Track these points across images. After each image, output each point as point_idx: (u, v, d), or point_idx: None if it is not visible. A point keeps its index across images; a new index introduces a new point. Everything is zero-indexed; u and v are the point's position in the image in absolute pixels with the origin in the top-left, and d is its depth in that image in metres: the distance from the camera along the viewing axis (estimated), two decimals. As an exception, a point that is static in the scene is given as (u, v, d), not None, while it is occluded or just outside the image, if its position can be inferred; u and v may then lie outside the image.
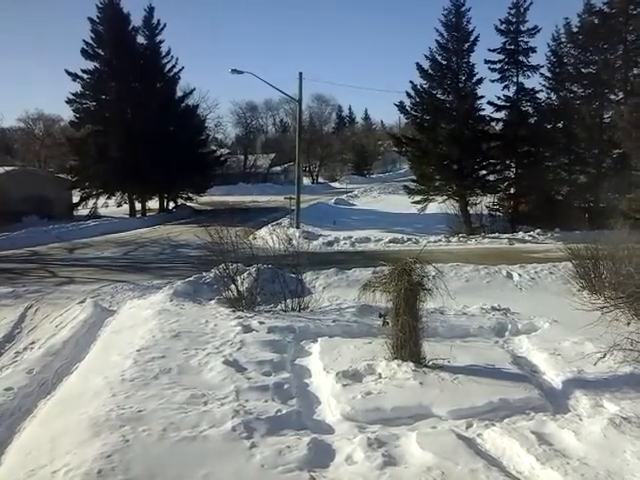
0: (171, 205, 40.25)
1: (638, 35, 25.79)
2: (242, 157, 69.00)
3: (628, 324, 8.07)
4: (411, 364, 7.65)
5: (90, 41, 35.89)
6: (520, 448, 5.50)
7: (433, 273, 8.20)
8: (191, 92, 41.81)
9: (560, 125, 28.12)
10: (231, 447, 5.48)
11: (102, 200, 37.35)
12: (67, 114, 54.10)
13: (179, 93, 40.24)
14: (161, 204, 39.55)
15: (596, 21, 27.13)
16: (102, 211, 37.06)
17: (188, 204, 40.38)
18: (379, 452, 5.38)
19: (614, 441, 5.54)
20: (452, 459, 5.24)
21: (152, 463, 5.11)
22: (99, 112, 36.65)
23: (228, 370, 7.47)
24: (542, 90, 28.17)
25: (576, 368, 7.67)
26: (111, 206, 37.61)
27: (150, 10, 38.14)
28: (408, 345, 7.83)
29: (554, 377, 7.68)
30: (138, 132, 34.02)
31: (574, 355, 8.12)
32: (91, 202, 36.92)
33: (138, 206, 37.74)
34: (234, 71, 26.05)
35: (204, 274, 13.60)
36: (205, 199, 41.61)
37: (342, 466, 5.24)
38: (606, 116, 27.20)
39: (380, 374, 7.54)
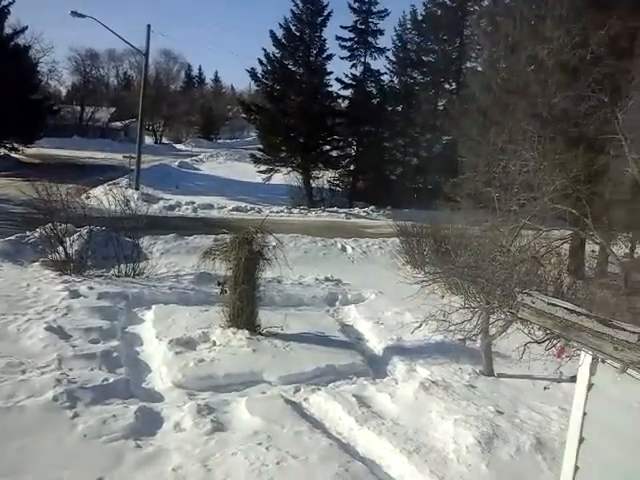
0: (-8, 155, 36.09)
1: (472, 31, 28.03)
2: (78, 108, 63.62)
3: (442, 297, 8.96)
4: (246, 332, 7.82)
5: None
6: (342, 411, 5.92)
7: (274, 243, 8.38)
8: (22, 30, 37.39)
9: (400, 108, 29.80)
10: (51, 418, 5.22)
11: None
12: None
13: (8, 30, 35.90)
14: (-21, 153, 35.30)
15: (439, 12, 29.00)
16: None
17: (12, 155, 36.47)
18: (208, 418, 5.47)
19: (423, 402, 6.18)
20: (279, 423, 5.49)
21: (-44, 438, 4.70)
22: None
23: (51, 337, 7.04)
24: (386, 73, 29.62)
25: (396, 336, 8.39)
26: None
27: None
28: (244, 313, 7.98)
29: (376, 344, 8.34)
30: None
31: (395, 324, 8.86)
32: None
33: (-50, 152, 33.36)
34: (74, 13, 23.79)
35: (28, 233, 12.46)
36: (33, 151, 37.82)
37: (170, 433, 5.24)
38: (440, 104, 29.41)
39: (215, 342, 7.60)
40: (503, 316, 7.21)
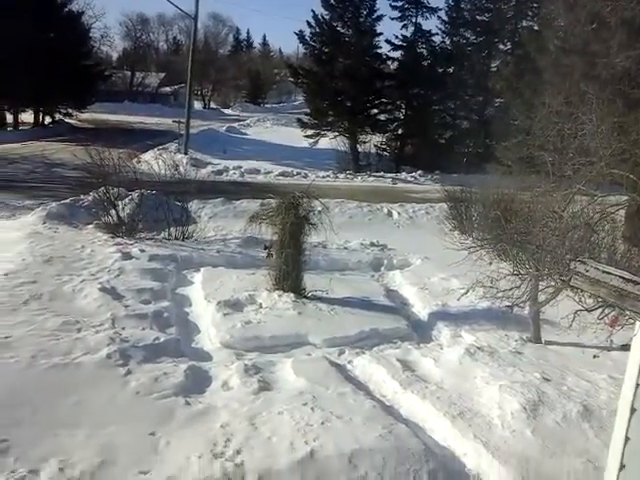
0: (47, 120, 37.09)
1: (530, -12, 26.75)
2: (129, 73, 64.49)
3: (490, 264, 8.80)
4: (292, 295, 7.92)
5: None
6: (386, 374, 5.96)
7: (319, 208, 8.39)
8: (76, -4, 37.97)
9: (451, 70, 28.90)
10: (105, 374, 5.44)
11: (-34, 109, 33.58)
12: None
13: (61, -4, 36.38)
14: (36, 118, 36.24)
15: (494, -31, 27.73)
16: (-34, 121, 33.40)
17: (66, 120, 37.39)
18: (255, 378, 5.59)
19: (467, 367, 6.15)
20: (323, 384, 5.56)
21: (19, 390, 4.97)
22: (-38, 7, 32.29)
23: (105, 297, 7.29)
24: (438, 34, 28.69)
25: (441, 302, 8.34)
26: (-23, 116, 33.97)
27: None
28: (290, 277, 8.07)
29: (421, 310, 8.32)
30: (11, 35, 30.50)
31: (441, 290, 8.80)
32: (-47, 110, 33.11)
33: (9, 118, 34.43)
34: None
35: (82, 197, 12.85)
36: (86, 116, 38.71)
37: (218, 392, 5.39)
38: (493, 65, 28.37)
39: (261, 304, 7.74)
40: (553, 283, 7.04)
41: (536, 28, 24.25)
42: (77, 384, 5.20)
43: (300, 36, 27.89)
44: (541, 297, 7.22)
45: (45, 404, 4.83)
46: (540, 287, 7.20)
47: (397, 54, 28.65)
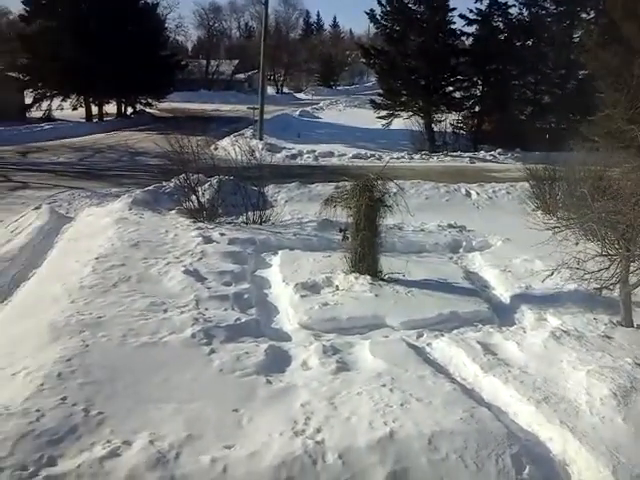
0: (129, 110, 38.69)
1: (615, -50, 25.00)
2: (204, 62, 66.04)
3: (577, 244, 8.39)
4: (368, 277, 7.89)
5: None
6: (466, 357, 5.84)
7: (394, 190, 8.29)
8: (150, -12, 39.15)
9: (529, 43, 27.65)
10: (190, 353, 5.65)
11: (57, 102, 35.53)
12: (16, 7, 50.12)
13: (137, -11, 37.60)
14: (119, 109, 37.97)
15: None
16: (57, 114, 35.32)
17: (147, 110, 38.86)
18: (333, 359, 5.63)
19: (553, 352, 5.92)
20: (402, 366, 5.53)
21: (112, 367, 5.24)
22: (51, 6, 33.99)
23: (188, 279, 7.55)
24: (515, 5, 27.44)
25: (524, 284, 8.06)
26: (66, 109, 35.81)
27: None
28: (366, 259, 8.04)
29: (503, 292, 8.07)
30: (94, 30, 31.94)
31: (523, 272, 8.50)
32: (45, 104, 35.11)
33: (95, 110, 36.15)
34: (196, -33, 24.45)
35: (164, 183, 13.37)
36: (165, 105, 40.10)
37: (297, 371, 5.48)
38: (575, 36, 26.87)
39: (338, 286, 7.77)
40: (646, 264, 6.64)
41: (624, -7, 22.71)
42: (164, 362, 5.43)
43: (371, 15, 27.52)
44: (632, 279, 6.82)
45: (135, 380, 5.08)
46: (631, 268, 6.80)
47: (472, 29, 27.79)
